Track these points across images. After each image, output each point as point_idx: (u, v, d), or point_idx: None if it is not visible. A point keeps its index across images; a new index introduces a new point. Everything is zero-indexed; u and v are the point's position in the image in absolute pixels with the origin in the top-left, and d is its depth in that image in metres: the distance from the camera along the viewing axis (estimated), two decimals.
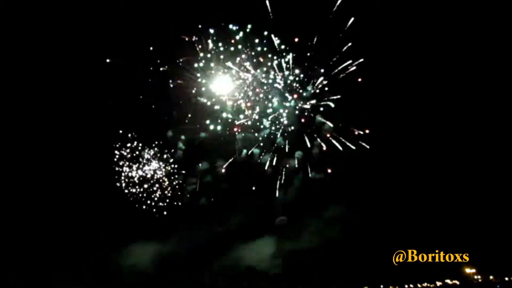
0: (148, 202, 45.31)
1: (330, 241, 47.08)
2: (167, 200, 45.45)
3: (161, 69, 40.54)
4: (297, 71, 41.25)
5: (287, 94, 41.82)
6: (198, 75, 41.17)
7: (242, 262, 46.80)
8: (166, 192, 45.26)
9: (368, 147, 45.20)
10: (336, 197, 48.51)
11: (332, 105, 43.23)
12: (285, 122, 43.38)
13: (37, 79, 44.27)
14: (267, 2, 38.42)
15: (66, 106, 44.82)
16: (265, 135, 43.85)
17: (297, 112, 43.20)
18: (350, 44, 41.19)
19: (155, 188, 45.17)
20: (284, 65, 40.72)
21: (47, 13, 41.30)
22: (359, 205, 48.38)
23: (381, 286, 46.86)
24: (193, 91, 41.74)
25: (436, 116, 48.22)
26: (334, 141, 44.62)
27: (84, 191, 45.55)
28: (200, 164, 45.84)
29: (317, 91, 42.72)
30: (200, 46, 39.90)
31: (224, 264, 46.89)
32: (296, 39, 40.42)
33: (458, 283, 46.06)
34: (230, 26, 40.23)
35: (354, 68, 41.69)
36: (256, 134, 43.56)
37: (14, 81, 43.85)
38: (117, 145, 44.87)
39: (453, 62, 45.88)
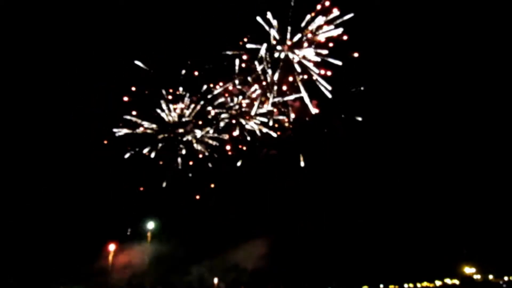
0: None
1: (328, 242, 46.85)
2: None
3: None
4: None
5: None
6: None
7: (231, 260, 47.02)
8: None
9: None
10: (334, 197, 48.38)
11: None
12: None
13: None
14: None
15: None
16: None
17: None
18: None
19: None
20: None
21: None
22: (358, 205, 48.30)
23: (381, 285, 46.70)
24: None
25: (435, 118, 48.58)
26: None
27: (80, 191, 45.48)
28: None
29: None
30: None
31: (214, 262, 47.19)
32: None
33: (458, 283, 45.97)
34: None
35: None
36: None
37: None
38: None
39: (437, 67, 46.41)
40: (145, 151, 43.03)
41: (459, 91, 47.12)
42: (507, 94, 45.39)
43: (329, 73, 40.43)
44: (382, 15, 42.63)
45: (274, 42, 41.03)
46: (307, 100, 40.93)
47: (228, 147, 44.11)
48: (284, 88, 41.65)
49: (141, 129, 42.54)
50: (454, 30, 44.72)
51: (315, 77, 40.23)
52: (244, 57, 40.83)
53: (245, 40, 41.23)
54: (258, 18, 40.18)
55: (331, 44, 40.45)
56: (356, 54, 40.90)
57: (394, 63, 45.42)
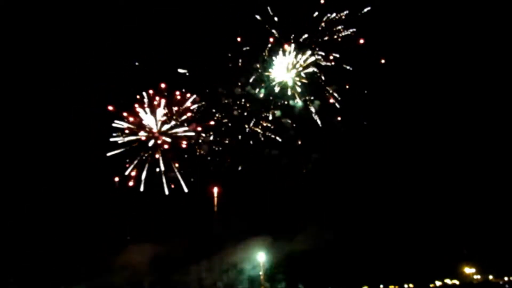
0: None
1: (328, 242, 46.84)
2: None
3: None
4: None
5: None
6: None
7: (229, 260, 47.05)
8: None
9: None
10: (335, 197, 48.36)
11: None
12: None
13: None
14: None
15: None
16: None
17: None
18: None
19: None
20: None
21: None
22: (357, 204, 48.29)
23: (381, 286, 46.75)
24: None
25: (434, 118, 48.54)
26: None
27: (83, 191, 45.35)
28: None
29: None
30: None
31: (212, 262, 47.07)
32: None
33: (458, 283, 46.13)
34: None
35: None
36: None
37: None
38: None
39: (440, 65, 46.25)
40: (146, 155, 43.02)
41: (459, 93, 47.33)
42: (506, 97, 45.63)
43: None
44: (383, 16, 42.47)
45: (272, 41, 40.49)
46: (311, 108, 40.74)
47: (229, 150, 44.08)
48: (286, 89, 41.37)
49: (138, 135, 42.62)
50: (461, 32, 44.87)
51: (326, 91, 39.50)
52: (246, 58, 40.52)
53: (246, 40, 40.85)
54: (257, 17, 39.70)
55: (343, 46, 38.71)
56: (383, 61, 39.09)
57: (395, 65, 45.42)
